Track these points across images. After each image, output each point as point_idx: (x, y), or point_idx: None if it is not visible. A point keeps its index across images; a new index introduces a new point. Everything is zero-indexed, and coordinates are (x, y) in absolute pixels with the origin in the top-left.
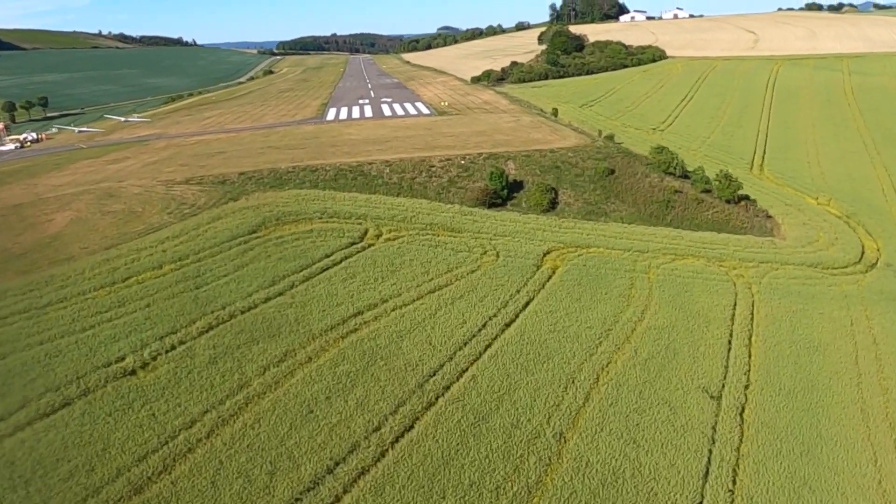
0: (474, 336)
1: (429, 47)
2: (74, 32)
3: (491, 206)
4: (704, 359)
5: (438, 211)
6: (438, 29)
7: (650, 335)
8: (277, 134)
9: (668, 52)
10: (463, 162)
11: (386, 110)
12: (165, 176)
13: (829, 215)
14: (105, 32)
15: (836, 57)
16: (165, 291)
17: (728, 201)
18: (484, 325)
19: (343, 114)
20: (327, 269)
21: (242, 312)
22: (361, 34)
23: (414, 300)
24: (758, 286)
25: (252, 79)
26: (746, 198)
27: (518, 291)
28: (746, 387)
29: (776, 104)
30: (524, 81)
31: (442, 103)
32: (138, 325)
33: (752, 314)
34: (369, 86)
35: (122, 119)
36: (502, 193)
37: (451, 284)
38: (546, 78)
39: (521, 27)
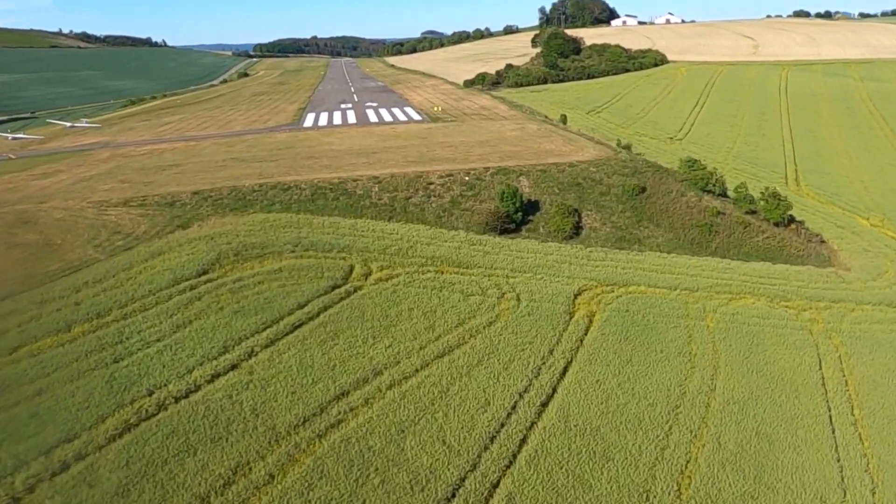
0: (503, 425)
1: (414, 51)
2: (32, 31)
3: (503, 232)
4: (807, 449)
5: (440, 240)
6: (422, 33)
7: (730, 415)
8: (245, 143)
9: (669, 57)
10: (467, 178)
11: (372, 116)
12: (100, 195)
13: (888, 238)
14: (67, 31)
15: (842, 63)
16: (67, 370)
17: (776, 224)
18: (514, 407)
19: (323, 120)
20: (300, 325)
21: (177, 400)
22: (343, 37)
23: (417, 370)
24: (839, 335)
25: (225, 82)
26: (793, 219)
27: (551, 352)
28: (873, 492)
29: (794, 111)
30: (521, 85)
31: (435, 108)
32: (14, 433)
33: (846, 377)
34: (352, 89)
35: (68, 125)
36: (516, 216)
37: (465, 344)
38: (545, 82)
39: (509, 31)
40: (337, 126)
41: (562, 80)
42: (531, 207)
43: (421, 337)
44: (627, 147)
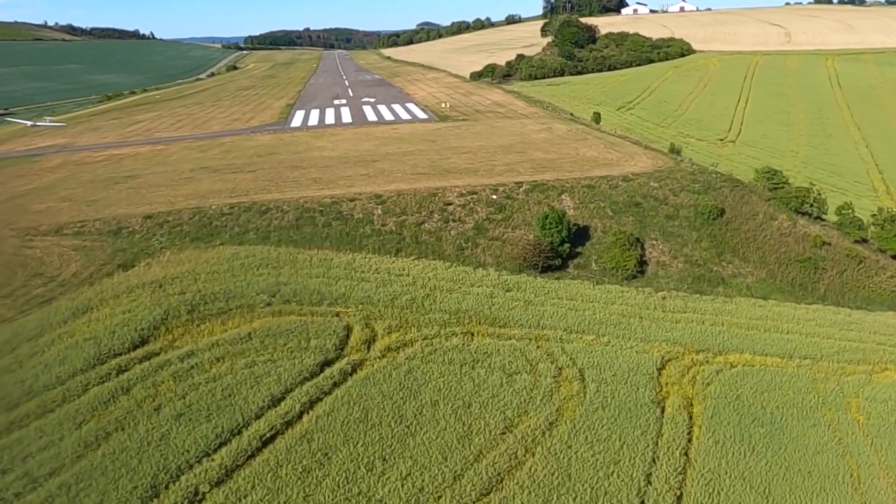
0: None
1: (410, 42)
2: (16, 23)
3: (545, 269)
4: None
5: (465, 283)
6: (418, 25)
7: None
8: (220, 147)
9: (693, 46)
10: (494, 197)
11: (370, 114)
12: (30, 219)
13: None
14: (52, 23)
15: (893, 52)
16: None
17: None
18: None
19: (313, 118)
20: (272, 437)
21: None
22: (336, 29)
23: None
24: None
25: (213, 75)
26: None
27: (648, 479)
28: None
29: (855, 107)
30: (536, 78)
31: (442, 105)
32: None
33: None
34: (346, 83)
35: (29, 124)
36: (562, 249)
37: (518, 468)
38: (562, 74)
39: (512, 20)
40: (329, 126)
41: (580, 72)
42: (579, 236)
43: (453, 457)
44: (676, 151)
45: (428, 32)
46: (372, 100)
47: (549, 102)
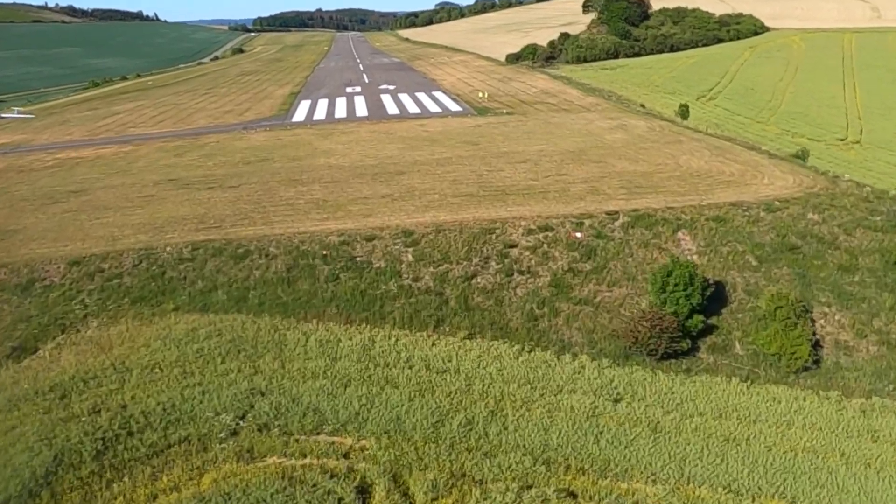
0: None
1: (429, 22)
2: (14, 4)
3: (666, 356)
4: None
5: (549, 385)
6: (437, 5)
7: None
8: (200, 150)
9: (765, 24)
10: (579, 235)
11: (389, 105)
12: None
13: None
14: (53, 5)
15: None
16: None
17: None
18: None
19: (320, 110)
20: None
21: None
22: (350, 10)
23: None
24: None
25: (216, 59)
26: None
27: None
28: None
29: None
30: (585, 61)
31: (479, 94)
32: None
33: None
34: (361, 67)
35: None
36: (692, 323)
37: None
38: (616, 56)
39: None
40: (340, 121)
41: (637, 53)
42: (711, 297)
43: None
44: (803, 158)
45: (449, 12)
46: (391, 87)
47: (610, 91)
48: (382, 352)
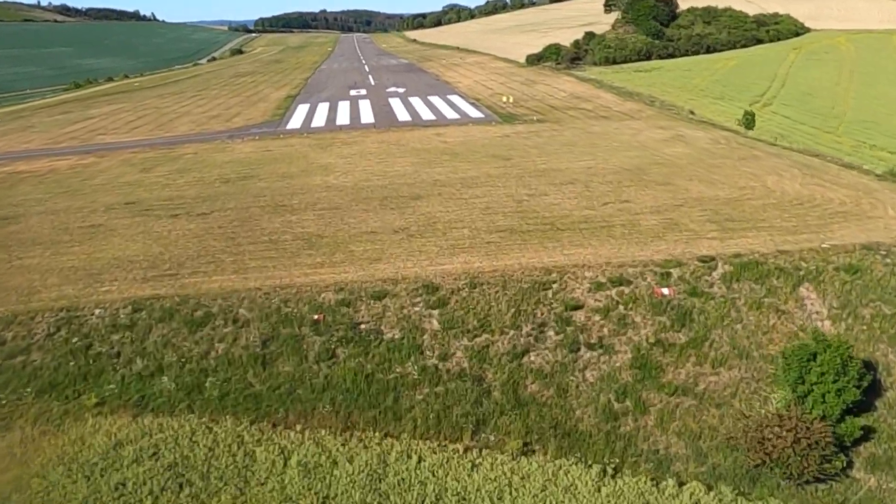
0: None
1: (438, 24)
2: (5, 3)
3: (812, 479)
4: None
5: None
6: (444, 7)
7: None
8: (174, 164)
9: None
10: (666, 292)
11: (399, 111)
12: None
13: None
14: (45, 3)
15: None
16: None
17: None
18: None
19: (320, 115)
20: None
21: None
22: (355, 11)
23: None
24: None
25: (214, 59)
26: None
27: None
28: None
29: None
30: (615, 62)
31: (503, 98)
32: None
33: None
34: (366, 68)
35: None
36: (847, 429)
37: None
38: (649, 57)
39: None
40: (342, 128)
41: (671, 55)
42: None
43: None
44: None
45: (458, 13)
46: (401, 90)
47: (650, 95)
48: (399, 482)
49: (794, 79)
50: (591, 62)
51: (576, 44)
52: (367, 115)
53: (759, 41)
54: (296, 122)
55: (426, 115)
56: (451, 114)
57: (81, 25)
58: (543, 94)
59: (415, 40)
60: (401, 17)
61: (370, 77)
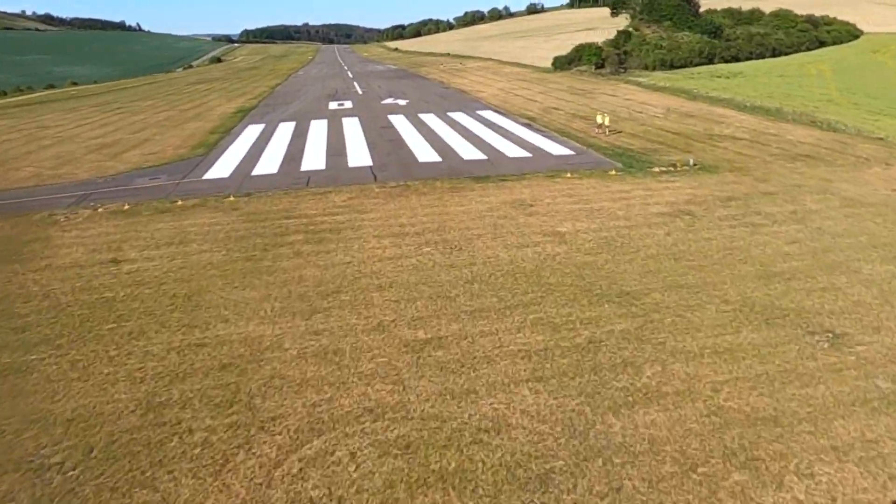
0: None
1: (418, 34)
2: None
3: None
4: None
5: None
6: (419, 22)
7: None
8: None
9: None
10: None
11: (410, 137)
12: None
13: None
14: (29, 13)
15: None
16: None
17: None
18: None
19: (274, 148)
20: None
21: None
22: (336, 24)
23: None
24: None
25: (191, 67)
26: None
27: None
28: None
29: None
30: (672, 67)
31: (600, 122)
32: None
33: None
34: (350, 74)
35: None
36: None
37: None
38: (710, 60)
39: (533, 10)
40: (313, 180)
41: (735, 57)
42: None
43: None
44: None
45: (437, 24)
46: (402, 102)
47: (800, 112)
48: None
49: None
50: (640, 65)
51: (615, 44)
52: (357, 146)
53: (822, 43)
54: (227, 161)
55: (463, 148)
56: (507, 147)
57: (63, 34)
58: (630, 112)
59: (397, 49)
60: (379, 31)
61: (356, 84)
